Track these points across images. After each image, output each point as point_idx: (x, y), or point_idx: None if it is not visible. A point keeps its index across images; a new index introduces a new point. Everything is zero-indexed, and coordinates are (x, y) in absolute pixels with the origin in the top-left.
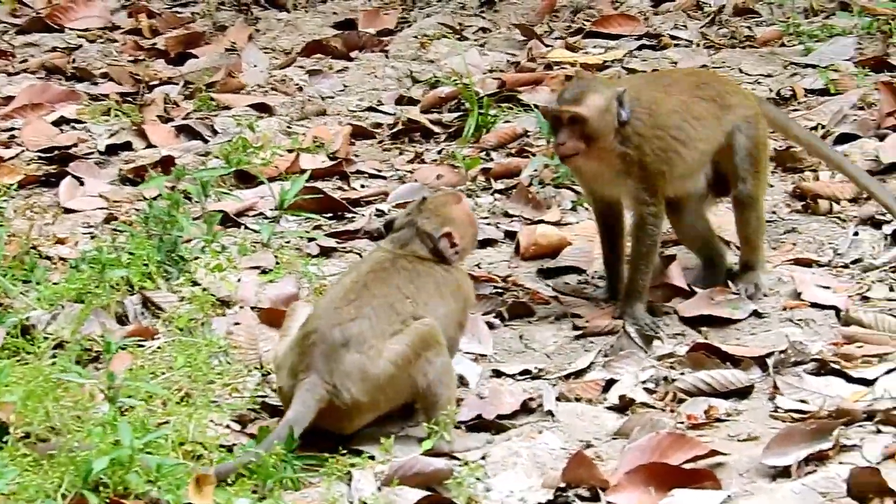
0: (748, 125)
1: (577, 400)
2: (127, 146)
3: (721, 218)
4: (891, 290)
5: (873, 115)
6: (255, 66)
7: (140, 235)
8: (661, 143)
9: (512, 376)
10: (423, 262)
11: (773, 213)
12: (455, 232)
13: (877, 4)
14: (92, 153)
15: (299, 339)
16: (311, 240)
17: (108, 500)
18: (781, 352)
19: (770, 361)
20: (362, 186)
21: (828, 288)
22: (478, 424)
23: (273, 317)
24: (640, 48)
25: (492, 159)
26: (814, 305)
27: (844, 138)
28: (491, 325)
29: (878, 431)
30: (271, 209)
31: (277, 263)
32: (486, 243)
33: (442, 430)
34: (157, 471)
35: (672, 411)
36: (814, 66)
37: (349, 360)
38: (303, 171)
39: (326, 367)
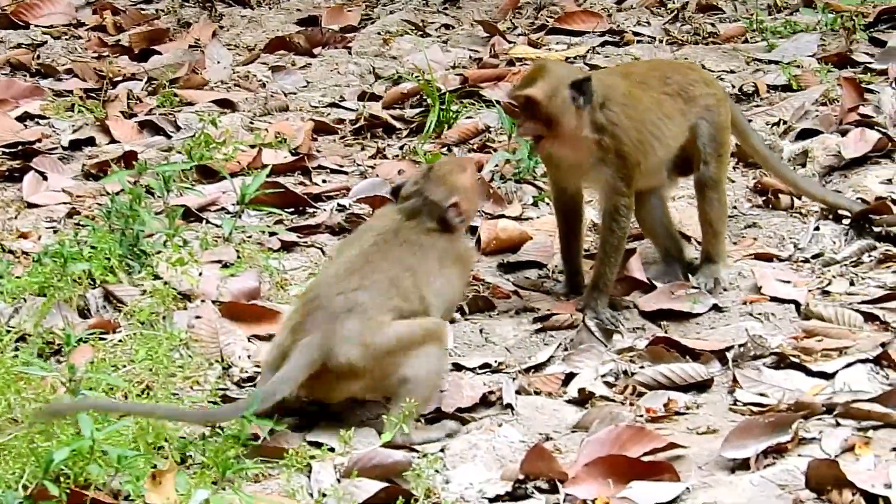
0: (710, 112)
1: (537, 393)
2: (90, 142)
3: (682, 213)
4: (851, 284)
5: (835, 111)
6: (218, 62)
7: (102, 230)
8: (639, 136)
9: (472, 370)
10: (429, 234)
11: (735, 207)
12: (461, 200)
13: (840, 1)
14: (55, 148)
15: (303, 301)
16: (272, 234)
17: (68, 491)
18: (741, 345)
19: (730, 355)
20: (324, 181)
21: (788, 282)
22: (438, 418)
23: (234, 310)
24: (602, 44)
25: (454, 155)
26: (774, 300)
27: (806, 134)
28: (452, 320)
29: (837, 424)
30: (233, 204)
31: (239, 257)
32: None
33: (402, 423)
34: (117, 462)
35: (631, 405)
36: (777, 63)
37: (350, 326)
38: (264, 167)
39: (327, 329)
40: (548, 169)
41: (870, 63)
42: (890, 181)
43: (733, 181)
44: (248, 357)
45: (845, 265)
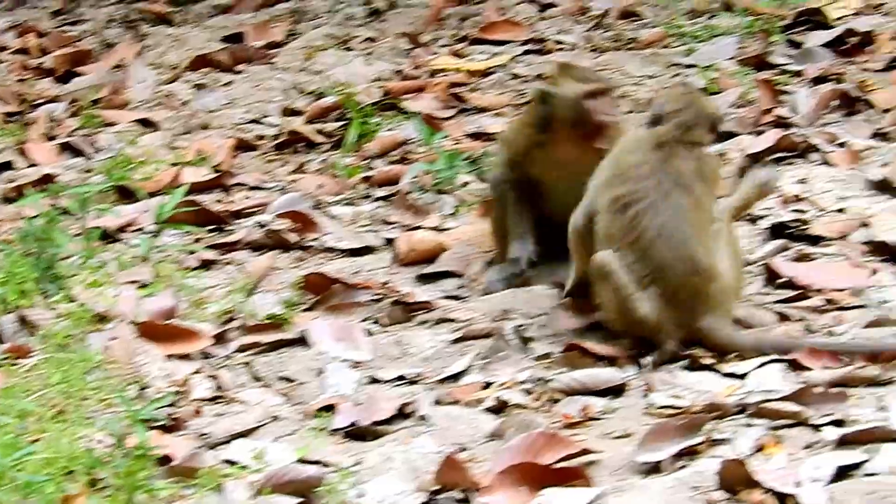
0: None
1: (454, 403)
2: (8, 166)
3: None
4: (765, 284)
5: (752, 113)
6: (142, 81)
7: (16, 253)
8: None
9: (389, 382)
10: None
11: None
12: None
13: (759, 4)
14: None
15: (667, 297)
16: (190, 252)
17: None
18: (656, 349)
19: (644, 359)
20: (244, 198)
21: None
22: (354, 431)
23: (150, 330)
24: (525, 53)
25: (374, 167)
26: None
27: (723, 136)
28: (368, 332)
29: (749, 425)
30: (152, 224)
31: (156, 277)
32: (366, 251)
33: None
34: (26, 487)
35: (548, 411)
36: (695, 66)
37: (716, 290)
38: (183, 185)
39: (710, 306)
40: None
41: (787, 65)
42: (805, 180)
43: None
44: (165, 377)
45: (760, 265)
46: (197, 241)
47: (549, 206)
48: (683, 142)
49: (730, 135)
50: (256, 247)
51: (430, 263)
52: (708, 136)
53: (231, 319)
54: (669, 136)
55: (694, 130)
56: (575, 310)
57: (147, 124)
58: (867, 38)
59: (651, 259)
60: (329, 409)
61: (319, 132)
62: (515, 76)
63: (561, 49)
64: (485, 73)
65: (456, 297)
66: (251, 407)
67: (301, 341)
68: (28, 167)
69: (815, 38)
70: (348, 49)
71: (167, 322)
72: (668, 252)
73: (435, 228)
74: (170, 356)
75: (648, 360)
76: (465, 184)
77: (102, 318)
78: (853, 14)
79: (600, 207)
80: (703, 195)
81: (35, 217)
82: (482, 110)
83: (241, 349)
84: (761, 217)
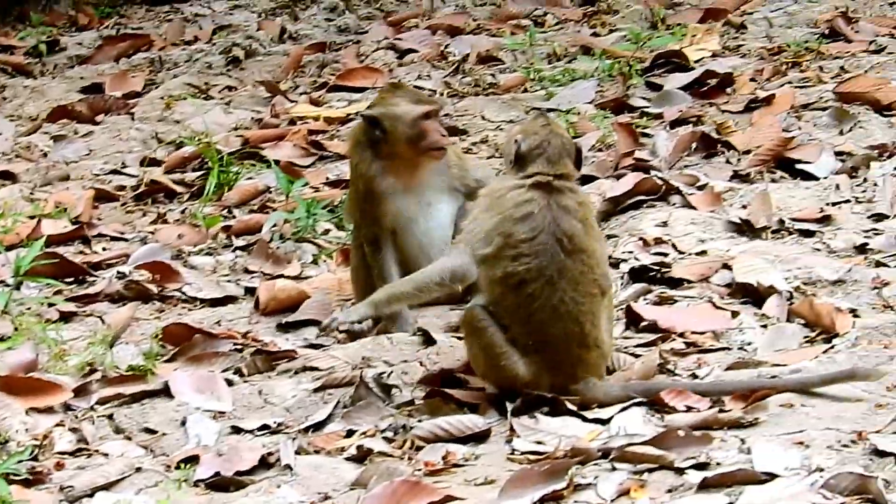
0: None
1: (317, 452)
2: None
3: None
4: (626, 328)
5: (611, 157)
6: (0, 134)
7: None
8: None
9: (251, 432)
10: (574, 204)
11: None
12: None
13: (618, 47)
14: None
15: (549, 364)
16: (50, 305)
17: None
18: (520, 395)
19: (507, 405)
20: (104, 249)
21: None
22: (216, 482)
23: (10, 384)
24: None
25: (234, 216)
26: None
27: (583, 180)
28: (230, 382)
29: (613, 469)
30: (11, 276)
31: (16, 330)
32: (227, 300)
33: None
34: None
35: (410, 459)
36: (555, 111)
37: (594, 357)
38: (42, 237)
39: (587, 371)
40: None
41: (646, 107)
42: (665, 223)
43: None
44: (26, 430)
45: (621, 308)
46: (57, 293)
47: (404, 245)
48: (556, 177)
49: (590, 179)
50: (117, 298)
51: (291, 312)
52: (573, 168)
53: (92, 371)
54: (543, 175)
55: (561, 163)
56: (439, 356)
57: (6, 176)
58: (726, 80)
59: (540, 332)
60: (192, 460)
61: (179, 182)
62: None
63: None
64: (344, 121)
65: (317, 346)
66: (114, 459)
67: (163, 392)
68: None
69: (675, 81)
70: (207, 98)
71: (28, 375)
72: (559, 328)
73: (296, 277)
74: (31, 409)
75: (510, 406)
76: (326, 231)
77: None
78: (712, 56)
79: (481, 259)
80: (590, 244)
81: None
82: (341, 157)
83: (103, 401)
84: (623, 261)
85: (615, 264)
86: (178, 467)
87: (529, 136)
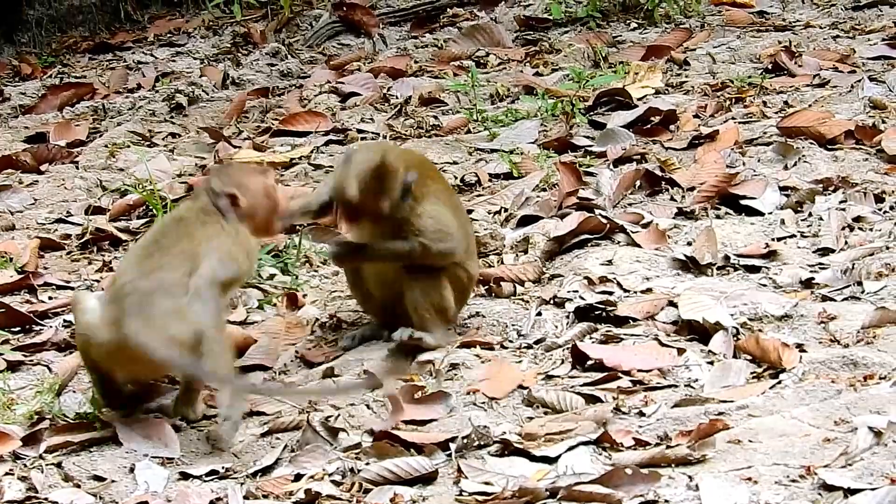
0: None
1: (266, 497)
2: None
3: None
4: (572, 367)
5: (555, 196)
6: None
7: None
8: None
9: (199, 477)
10: (211, 216)
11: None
12: (241, 195)
13: (560, 86)
14: None
15: (113, 295)
16: None
17: None
18: (465, 436)
19: (453, 446)
20: (50, 298)
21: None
22: None
23: None
24: (327, 143)
25: None
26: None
27: (527, 220)
28: (177, 428)
29: None
30: None
31: None
32: None
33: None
34: None
35: (358, 502)
36: (498, 151)
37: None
38: None
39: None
40: None
41: (590, 146)
42: (610, 262)
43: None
44: None
45: (567, 348)
46: (4, 342)
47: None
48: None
49: (534, 219)
50: (63, 347)
51: (237, 357)
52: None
53: (41, 420)
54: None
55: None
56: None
57: None
58: (670, 117)
59: None
60: None
61: (124, 230)
62: (318, 167)
63: (364, 137)
64: (287, 165)
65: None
66: None
67: (111, 439)
68: None
69: (618, 119)
70: (151, 145)
71: None
72: None
73: (241, 322)
74: None
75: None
76: (271, 276)
77: None
78: (655, 93)
79: None
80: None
81: None
82: None
83: (52, 449)
84: (568, 300)
85: (560, 304)
86: None
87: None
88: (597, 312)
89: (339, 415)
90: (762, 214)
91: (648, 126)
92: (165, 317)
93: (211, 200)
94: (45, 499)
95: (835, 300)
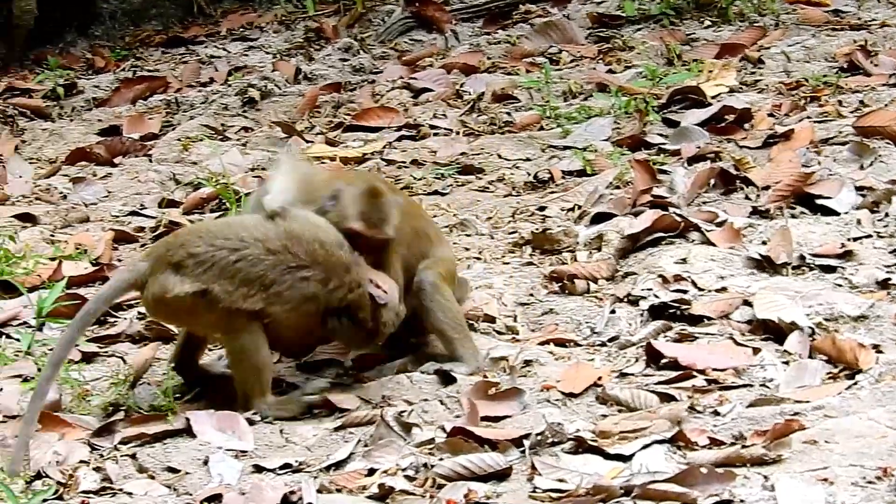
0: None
1: (339, 491)
2: None
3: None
4: (647, 365)
5: (629, 194)
6: (20, 176)
7: None
8: None
9: (273, 471)
10: None
11: (531, 295)
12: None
13: (633, 84)
14: None
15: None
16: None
17: None
18: (539, 433)
19: (527, 442)
20: None
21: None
22: None
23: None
24: (399, 139)
25: None
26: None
27: (600, 217)
28: (251, 422)
29: None
30: (34, 318)
31: (39, 370)
32: None
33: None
34: None
35: (432, 497)
36: (571, 148)
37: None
38: (63, 279)
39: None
40: None
41: (663, 144)
42: (684, 260)
43: (533, 264)
44: (58, 463)
45: (640, 346)
46: None
47: None
48: None
49: (608, 216)
50: (137, 339)
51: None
52: None
53: (115, 411)
54: None
55: None
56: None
57: (26, 219)
58: (744, 115)
59: None
60: (215, 498)
61: (197, 223)
62: (390, 162)
63: (436, 133)
64: (360, 160)
65: (337, 385)
66: (138, 498)
67: (185, 432)
68: None
69: (692, 117)
70: (224, 139)
71: (53, 415)
72: None
73: None
74: (56, 450)
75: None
76: None
77: None
78: (729, 92)
79: None
80: None
81: None
82: None
83: (126, 441)
84: (642, 298)
85: (634, 301)
86: None
87: None
88: (671, 311)
89: (412, 410)
90: (838, 214)
91: (722, 124)
92: None
93: None
94: (120, 489)
95: None
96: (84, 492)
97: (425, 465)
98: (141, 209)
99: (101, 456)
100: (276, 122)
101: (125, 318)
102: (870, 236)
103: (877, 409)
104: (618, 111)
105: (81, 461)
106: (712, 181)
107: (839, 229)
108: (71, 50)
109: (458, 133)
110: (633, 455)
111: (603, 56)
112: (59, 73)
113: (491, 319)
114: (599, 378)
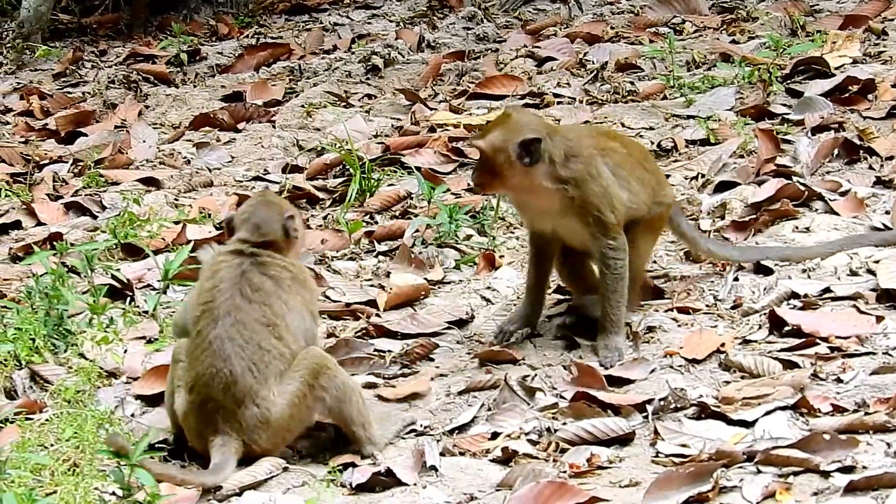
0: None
1: (462, 454)
2: (17, 225)
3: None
4: (770, 332)
5: (752, 163)
6: (143, 141)
7: (25, 311)
8: (600, 189)
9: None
10: (272, 264)
11: (654, 262)
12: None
13: (757, 54)
14: None
15: (195, 403)
16: None
17: None
18: (662, 399)
19: (650, 408)
20: None
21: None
22: (369, 482)
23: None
24: (523, 107)
25: (376, 222)
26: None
27: (724, 186)
28: (373, 384)
29: (758, 472)
30: (158, 280)
31: (162, 332)
32: (369, 304)
33: (363, 446)
34: None
35: (555, 461)
36: (695, 118)
37: (249, 416)
38: (188, 242)
39: (232, 427)
40: (518, 211)
41: (787, 114)
42: (808, 229)
43: None
44: None
45: (764, 314)
46: None
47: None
48: (259, 245)
49: (731, 185)
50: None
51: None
52: (282, 236)
53: None
54: (244, 243)
55: (265, 231)
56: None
57: (151, 183)
58: (868, 86)
59: (195, 366)
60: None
61: (321, 188)
62: None
63: (560, 102)
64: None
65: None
66: (262, 460)
67: None
68: (35, 226)
69: (816, 87)
70: (347, 106)
71: None
72: (207, 363)
73: (439, 282)
74: None
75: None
76: (468, 237)
77: (112, 374)
78: (852, 62)
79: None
80: (278, 303)
81: (43, 275)
82: None
83: None
84: (767, 268)
85: (757, 270)
86: (328, 470)
87: (242, 207)
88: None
89: (535, 375)
90: None
91: (846, 95)
92: None
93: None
94: None
95: None
96: None
97: (548, 429)
98: (265, 174)
99: None
100: (400, 89)
101: None
102: None
103: None
104: (741, 81)
105: None
106: (836, 151)
107: None
108: (195, 17)
109: (581, 102)
110: (755, 421)
111: (726, 26)
112: (182, 39)
113: None
114: (722, 345)
